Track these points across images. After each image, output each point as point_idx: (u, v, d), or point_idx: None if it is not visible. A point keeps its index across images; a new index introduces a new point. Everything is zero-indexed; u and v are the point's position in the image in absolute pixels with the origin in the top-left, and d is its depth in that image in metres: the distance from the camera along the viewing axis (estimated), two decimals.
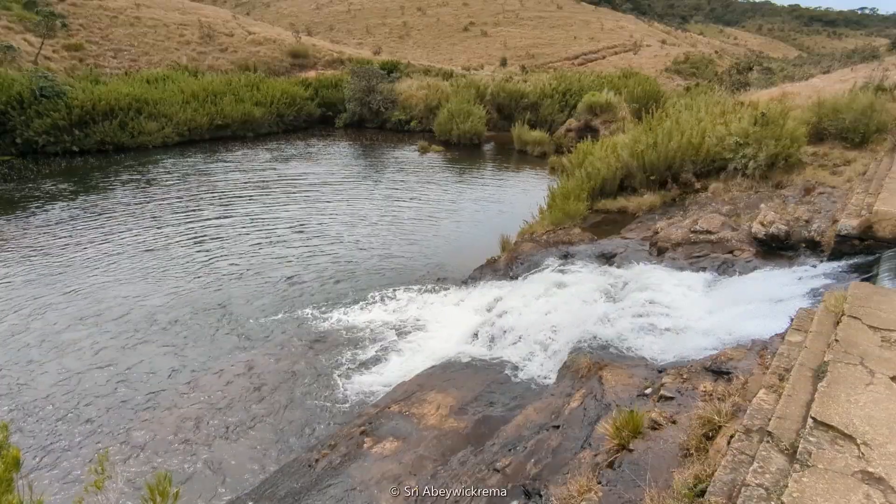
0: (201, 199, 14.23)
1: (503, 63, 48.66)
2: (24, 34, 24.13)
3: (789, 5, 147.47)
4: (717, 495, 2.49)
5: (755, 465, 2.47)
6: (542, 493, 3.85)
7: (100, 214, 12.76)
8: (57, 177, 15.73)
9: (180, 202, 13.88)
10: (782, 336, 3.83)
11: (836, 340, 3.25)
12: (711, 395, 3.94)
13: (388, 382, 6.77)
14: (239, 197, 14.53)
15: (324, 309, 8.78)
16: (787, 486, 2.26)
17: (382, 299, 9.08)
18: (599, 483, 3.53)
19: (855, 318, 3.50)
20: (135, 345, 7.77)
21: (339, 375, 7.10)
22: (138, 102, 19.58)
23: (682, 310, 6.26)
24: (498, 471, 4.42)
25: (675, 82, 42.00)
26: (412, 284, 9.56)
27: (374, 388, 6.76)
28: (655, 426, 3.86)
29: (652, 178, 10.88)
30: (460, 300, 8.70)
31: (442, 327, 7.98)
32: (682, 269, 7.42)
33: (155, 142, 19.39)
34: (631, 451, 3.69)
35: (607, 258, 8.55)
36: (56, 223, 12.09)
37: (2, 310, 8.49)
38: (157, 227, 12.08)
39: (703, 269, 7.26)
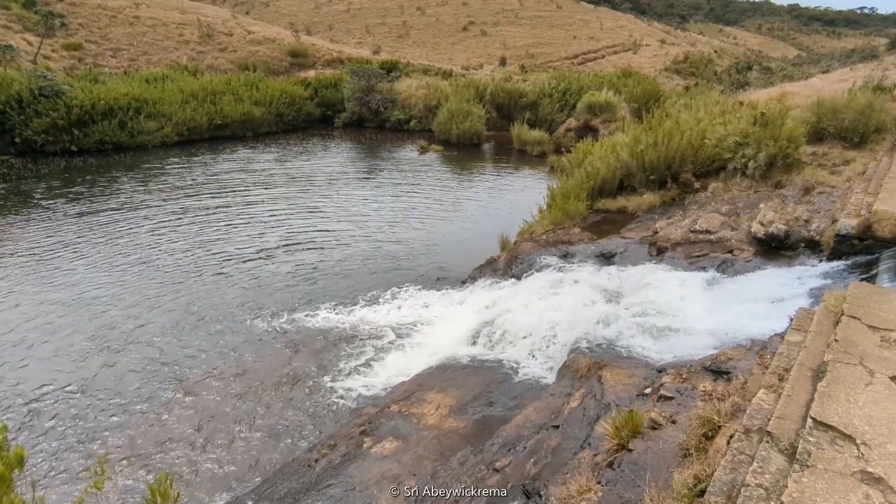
0: (199, 198, 14.22)
1: (502, 62, 48.66)
2: (23, 33, 24.12)
3: (789, 5, 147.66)
4: (716, 495, 2.49)
5: (755, 465, 2.47)
6: (541, 492, 3.85)
7: (99, 213, 12.75)
8: (56, 176, 15.71)
9: (179, 202, 13.86)
10: (782, 336, 3.84)
11: (836, 340, 3.26)
12: (711, 394, 3.95)
13: (388, 382, 6.78)
14: (237, 196, 14.52)
15: (323, 308, 8.77)
16: (786, 486, 2.26)
17: (381, 299, 9.08)
18: (599, 483, 3.53)
19: (854, 317, 3.50)
20: (133, 345, 7.77)
21: (338, 375, 7.10)
22: (137, 102, 19.55)
23: (681, 310, 6.26)
24: (498, 471, 4.42)
25: (674, 82, 42.04)
26: (411, 284, 9.56)
27: (374, 388, 6.76)
28: (655, 426, 3.86)
29: (651, 177, 10.88)
30: (460, 300, 8.70)
31: (441, 327, 7.98)
32: (681, 268, 7.42)
33: (154, 141, 19.37)
34: (630, 450, 3.69)
35: (607, 258, 8.55)
36: (55, 222, 12.07)
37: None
38: (155, 227, 12.07)
39: (703, 268, 7.26)
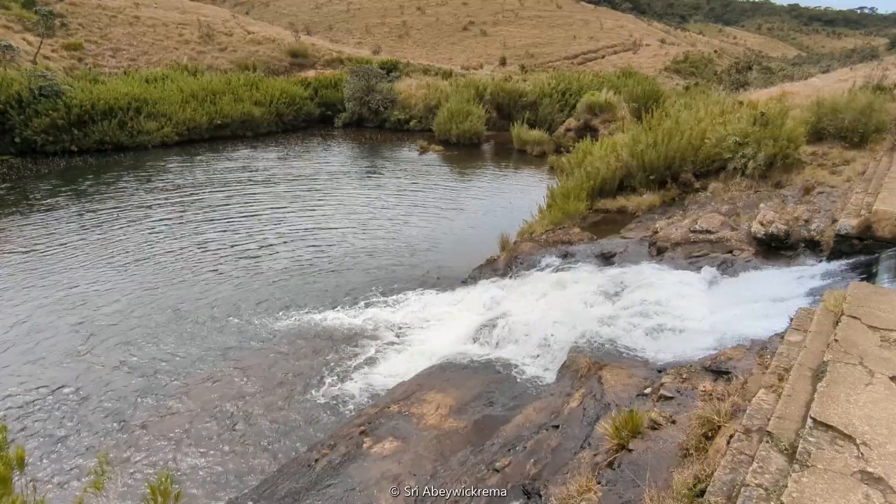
0: (199, 198, 14.21)
1: (502, 62, 48.61)
2: (23, 33, 24.09)
3: (788, 5, 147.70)
4: (716, 495, 2.50)
5: (755, 465, 2.47)
6: (541, 493, 3.85)
7: (98, 213, 12.74)
8: (56, 176, 15.71)
9: (178, 201, 13.86)
10: (782, 336, 3.84)
11: (836, 340, 3.26)
12: (711, 394, 3.95)
13: (388, 382, 6.77)
14: (237, 196, 14.52)
15: (322, 308, 8.77)
16: (786, 486, 2.26)
17: (381, 299, 9.08)
18: (599, 483, 3.53)
19: (854, 317, 3.51)
20: (133, 345, 7.76)
21: (337, 375, 7.10)
22: (137, 102, 19.54)
23: (681, 309, 6.26)
24: (497, 471, 4.42)
25: (674, 81, 41.97)
26: (411, 284, 9.56)
27: (374, 388, 6.76)
28: (655, 426, 3.86)
29: (651, 177, 10.88)
30: (460, 300, 8.69)
31: (441, 327, 7.98)
32: (681, 268, 7.42)
33: (154, 141, 19.37)
34: (630, 450, 3.69)
35: (607, 258, 8.55)
36: (54, 222, 12.06)
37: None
38: (154, 226, 12.07)
39: (703, 268, 7.26)
